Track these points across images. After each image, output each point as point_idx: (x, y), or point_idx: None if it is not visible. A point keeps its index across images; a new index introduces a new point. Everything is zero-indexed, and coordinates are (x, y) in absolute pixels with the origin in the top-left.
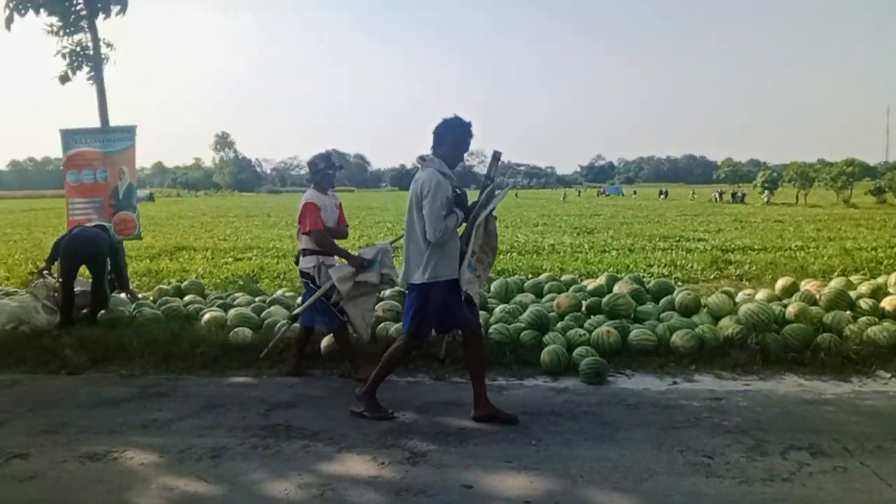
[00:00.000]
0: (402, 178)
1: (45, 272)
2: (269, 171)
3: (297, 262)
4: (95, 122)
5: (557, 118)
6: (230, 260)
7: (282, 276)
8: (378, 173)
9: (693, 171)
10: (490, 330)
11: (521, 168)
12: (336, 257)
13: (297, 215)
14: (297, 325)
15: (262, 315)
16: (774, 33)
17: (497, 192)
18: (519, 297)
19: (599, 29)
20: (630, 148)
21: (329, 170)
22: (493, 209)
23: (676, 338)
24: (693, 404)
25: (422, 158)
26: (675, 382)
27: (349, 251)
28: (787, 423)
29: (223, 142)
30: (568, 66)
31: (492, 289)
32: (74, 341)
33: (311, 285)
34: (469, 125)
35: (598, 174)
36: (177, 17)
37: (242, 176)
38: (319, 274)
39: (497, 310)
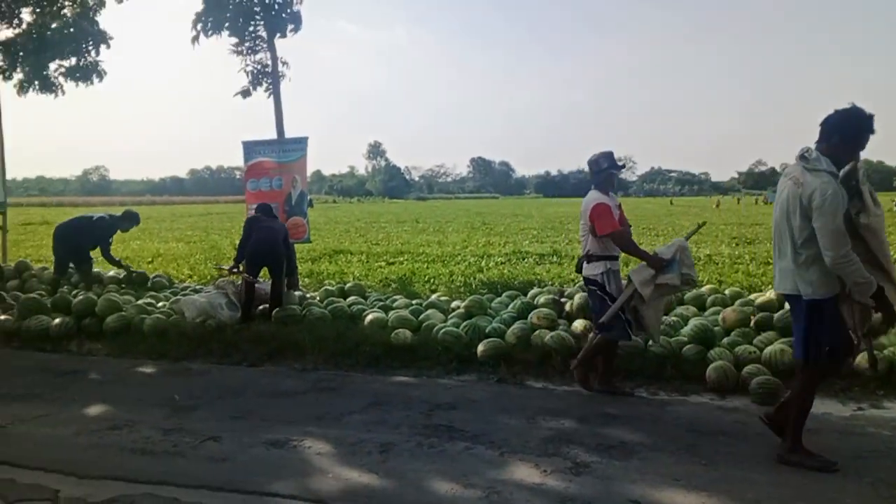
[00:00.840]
0: (545, 185)
1: (233, 270)
2: (416, 179)
3: (578, 270)
4: (265, 135)
5: (713, 122)
6: (383, 264)
7: (432, 280)
8: (523, 180)
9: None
10: (648, 343)
11: (673, 175)
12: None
13: (586, 218)
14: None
15: (420, 318)
16: None
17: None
18: (679, 310)
19: (754, 29)
20: (794, 152)
21: (612, 169)
22: None
23: (861, 360)
24: (883, 433)
25: (804, 157)
26: (860, 408)
27: (647, 251)
28: None
29: (375, 151)
30: (724, 67)
31: None
32: (253, 336)
33: (598, 292)
34: (870, 118)
35: (757, 180)
36: (335, 32)
37: (393, 183)
38: (609, 280)
39: None
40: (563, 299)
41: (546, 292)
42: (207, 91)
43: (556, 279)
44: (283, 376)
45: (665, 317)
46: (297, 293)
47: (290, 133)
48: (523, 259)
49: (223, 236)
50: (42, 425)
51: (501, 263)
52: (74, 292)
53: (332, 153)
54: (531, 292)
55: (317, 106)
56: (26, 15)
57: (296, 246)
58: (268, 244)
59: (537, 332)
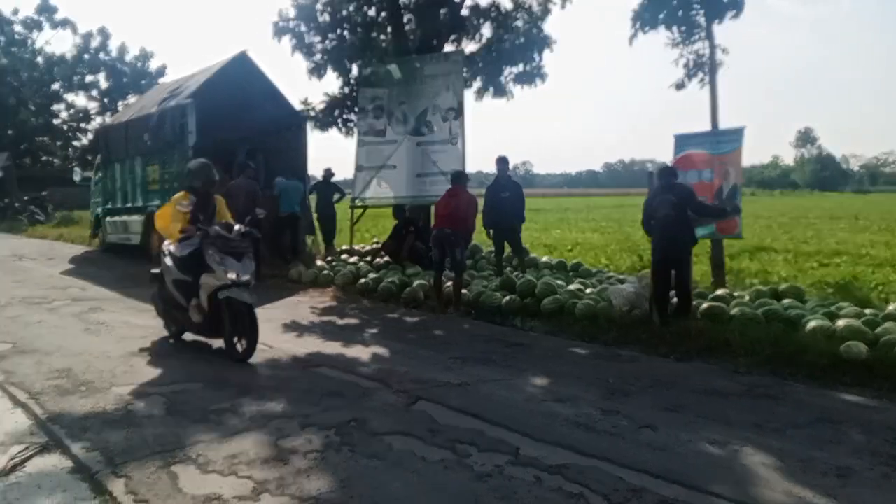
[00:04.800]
0: None
1: None
2: (856, 169)
3: None
4: (685, 126)
5: None
6: (815, 265)
7: (881, 287)
8: None
9: None
10: None
11: None
12: None
13: None
14: None
15: (878, 331)
16: None
17: None
18: None
19: None
20: None
21: None
22: None
23: None
24: None
25: None
26: None
27: None
28: None
29: (805, 138)
30: None
31: None
32: (680, 330)
33: None
34: None
35: None
36: (767, 12)
37: (825, 173)
38: None
39: None
40: None
41: None
42: (625, 86)
43: None
44: (714, 375)
45: None
46: None
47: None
48: None
49: (636, 228)
50: (499, 388)
51: None
52: (515, 274)
53: (752, 142)
54: None
55: (742, 93)
56: (486, 30)
57: (724, 241)
58: (672, 241)
59: None
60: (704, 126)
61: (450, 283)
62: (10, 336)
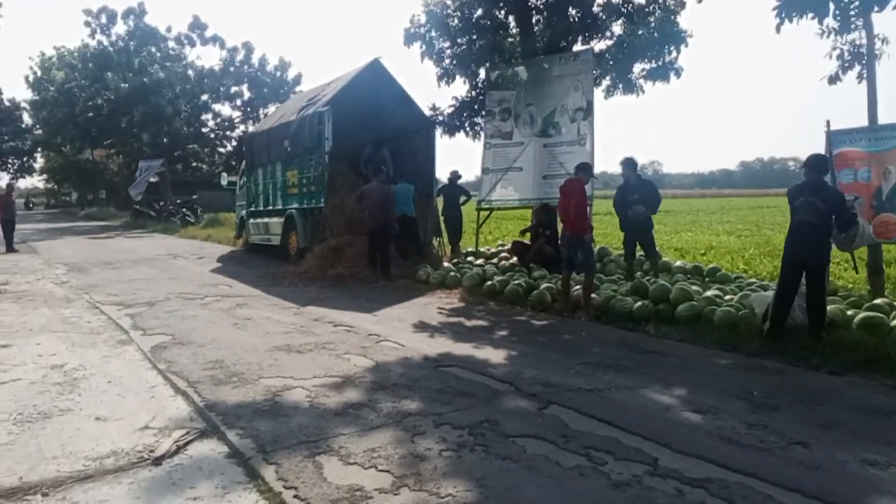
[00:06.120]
0: None
1: None
2: None
3: None
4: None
5: None
6: None
7: None
8: None
9: None
10: None
11: None
12: None
13: None
14: None
15: None
16: None
17: None
18: None
19: None
20: None
21: None
22: None
23: None
24: None
25: None
26: None
27: None
28: None
29: None
30: None
31: None
32: (834, 341)
33: None
34: None
35: None
36: None
37: None
38: None
39: None
40: None
41: None
42: (765, 79)
43: None
44: (873, 391)
45: None
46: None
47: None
48: None
49: (776, 231)
50: (633, 396)
51: None
52: (647, 278)
53: None
54: None
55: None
56: (616, 28)
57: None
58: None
59: None
60: (857, 122)
61: (578, 287)
62: (169, 329)
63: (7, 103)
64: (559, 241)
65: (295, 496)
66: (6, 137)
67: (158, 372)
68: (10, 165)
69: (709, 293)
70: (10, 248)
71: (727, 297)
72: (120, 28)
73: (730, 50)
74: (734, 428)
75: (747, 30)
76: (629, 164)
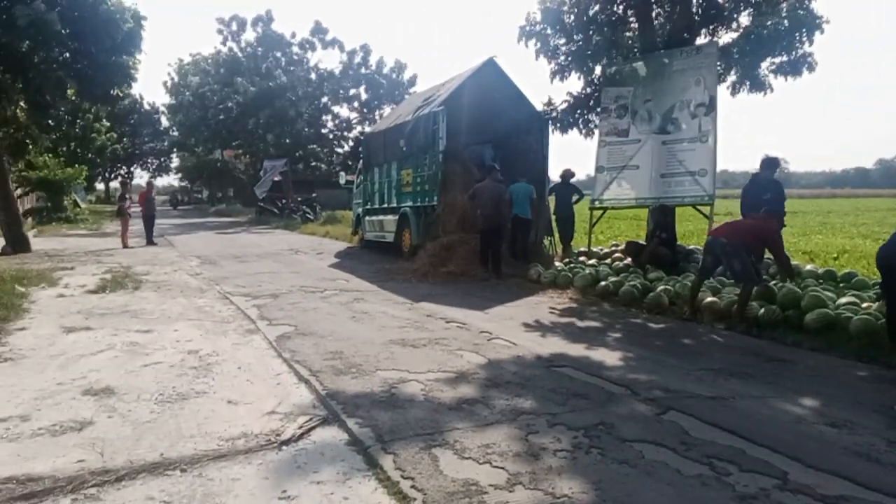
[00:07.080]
0: None
1: None
2: None
3: None
4: None
5: None
6: None
7: None
8: None
9: None
10: None
11: None
12: None
13: None
14: None
15: None
16: None
17: None
18: None
19: None
20: None
21: None
22: None
23: None
24: None
25: None
26: None
27: None
28: None
29: None
30: None
31: None
32: None
33: None
34: None
35: None
36: None
37: None
38: None
39: None
40: None
41: None
42: None
43: None
44: None
45: None
46: None
47: None
48: None
49: None
50: (759, 405)
51: None
52: (774, 282)
53: None
54: None
55: None
56: (744, 18)
57: None
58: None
59: None
60: None
61: (708, 294)
62: (292, 320)
63: (147, 107)
64: (703, 248)
65: (412, 486)
66: (146, 139)
67: (283, 360)
68: (149, 165)
69: (843, 300)
70: (149, 242)
71: (864, 305)
72: (249, 35)
73: (867, 34)
74: (872, 444)
75: (888, 10)
76: (772, 164)
